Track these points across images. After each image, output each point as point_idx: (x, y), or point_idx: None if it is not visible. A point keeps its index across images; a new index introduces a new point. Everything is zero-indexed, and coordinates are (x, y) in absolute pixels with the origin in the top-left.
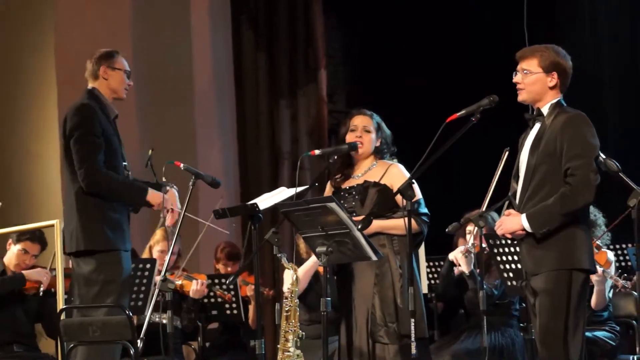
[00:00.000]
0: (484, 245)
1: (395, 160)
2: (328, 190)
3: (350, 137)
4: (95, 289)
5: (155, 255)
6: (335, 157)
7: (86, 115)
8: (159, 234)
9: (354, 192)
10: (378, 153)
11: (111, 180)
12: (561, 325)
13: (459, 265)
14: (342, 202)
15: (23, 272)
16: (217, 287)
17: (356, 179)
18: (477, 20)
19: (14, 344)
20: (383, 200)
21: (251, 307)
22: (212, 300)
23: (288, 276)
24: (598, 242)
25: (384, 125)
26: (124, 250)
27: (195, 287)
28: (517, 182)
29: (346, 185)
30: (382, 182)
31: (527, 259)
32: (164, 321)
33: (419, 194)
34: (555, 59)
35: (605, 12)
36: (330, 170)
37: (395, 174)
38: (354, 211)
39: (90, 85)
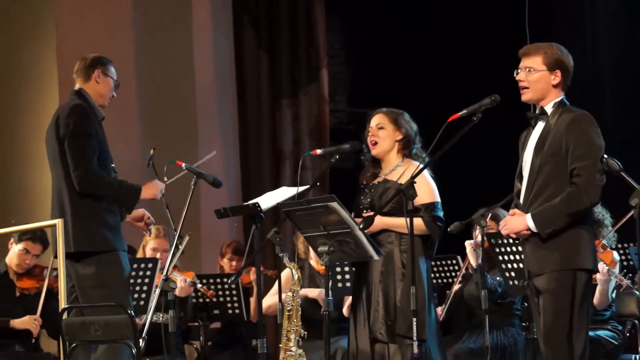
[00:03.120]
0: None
1: (424, 156)
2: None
3: (368, 140)
4: (97, 292)
5: (148, 254)
6: (338, 157)
7: (81, 116)
8: (152, 232)
9: (372, 190)
10: (403, 149)
11: (106, 182)
12: (565, 326)
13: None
14: (362, 198)
15: (11, 320)
16: (200, 284)
17: (380, 178)
18: (479, 20)
19: (15, 344)
20: (397, 200)
21: (252, 299)
22: (214, 299)
23: (286, 276)
24: (604, 241)
25: (405, 118)
26: (122, 251)
27: (179, 284)
28: (520, 182)
29: (371, 183)
30: (399, 181)
31: (531, 258)
32: (161, 319)
33: (436, 197)
34: (559, 57)
35: (605, 13)
36: (361, 168)
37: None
38: (367, 208)
39: (77, 86)
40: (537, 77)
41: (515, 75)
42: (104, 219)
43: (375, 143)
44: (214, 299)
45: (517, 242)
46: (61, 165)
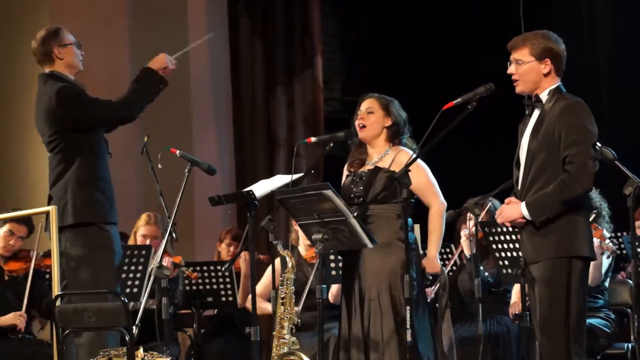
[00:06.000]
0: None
1: (413, 145)
2: (344, 174)
3: (356, 123)
4: (85, 272)
5: (138, 240)
6: (332, 145)
7: (69, 94)
8: (142, 218)
9: (363, 178)
10: (392, 136)
11: (129, 100)
12: (562, 314)
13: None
14: (352, 186)
15: None
16: (185, 267)
17: (369, 166)
18: (474, 8)
19: (7, 331)
20: (391, 188)
21: (242, 281)
22: (208, 287)
23: (279, 263)
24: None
25: (396, 105)
26: (115, 223)
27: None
28: (518, 169)
29: (360, 170)
30: (391, 168)
31: (527, 246)
32: (154, 306)
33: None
34: (546, 45)
35: (602, 1)
36: (348, 154)
37: (404, 161)
38: (360, 196)
39: (47, 70)
40: (526, 68)
41: (508, 69)
42: (100, 189)
43: (364, 127)
44: (207, 287)
45: (510, 230)
46: (62, 145)
